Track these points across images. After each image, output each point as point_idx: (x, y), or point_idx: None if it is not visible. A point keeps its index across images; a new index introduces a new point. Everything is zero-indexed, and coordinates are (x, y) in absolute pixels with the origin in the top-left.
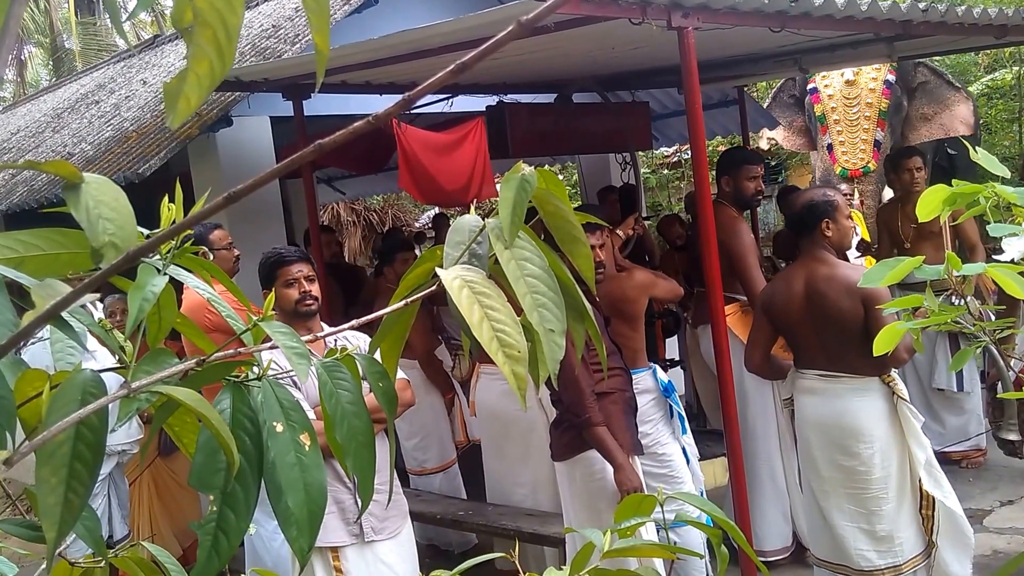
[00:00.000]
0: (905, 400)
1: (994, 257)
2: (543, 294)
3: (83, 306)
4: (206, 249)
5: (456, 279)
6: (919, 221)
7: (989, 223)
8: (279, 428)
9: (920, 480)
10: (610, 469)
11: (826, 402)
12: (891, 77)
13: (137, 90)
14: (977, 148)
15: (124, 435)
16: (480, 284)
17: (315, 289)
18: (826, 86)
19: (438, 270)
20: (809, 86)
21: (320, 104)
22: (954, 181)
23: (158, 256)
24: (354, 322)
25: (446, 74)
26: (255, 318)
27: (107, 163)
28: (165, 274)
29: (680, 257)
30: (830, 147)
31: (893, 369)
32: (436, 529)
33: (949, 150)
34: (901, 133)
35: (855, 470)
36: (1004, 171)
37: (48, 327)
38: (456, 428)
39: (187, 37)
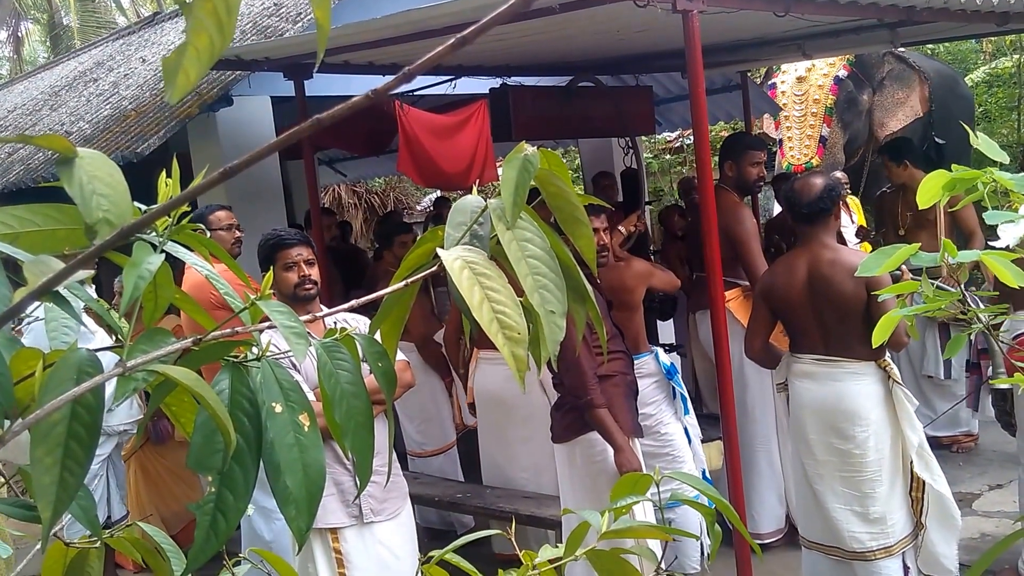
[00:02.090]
0: (900, 384)
1: (989, 244)
2: (544, 275)
3: (81, 283)
4: (203, 227)
5: (457, 260)
6: (918, 208)
7: (987, 209)
8: (278, 409)
9: (911, 463)
10: (610, 451)
11: (823, 386)
12: (843, 73)
13: (136, 68)
14: (977, 133)
15: (125, 415)
16: (481, 265)
17: (315, 273)
18: (782, 82)
19: (439, 250)
20: (770, 82)
21: (322, 84)
22: (954, 167)
23: (155, 233)
24: (353, 303)
25: (446, 48)
26: (252, 297)
27: (105, 142)
28: (162, 251)
29: (681, 246)
30: (780, 142)
31: (888, 353)
32: (437, 511)
33: (937, 139)
34: (878, 123)
35: (850, 453)
36: (1003, 156)
37: (43, 306)
38: (453, 412)
39: (186, 11)
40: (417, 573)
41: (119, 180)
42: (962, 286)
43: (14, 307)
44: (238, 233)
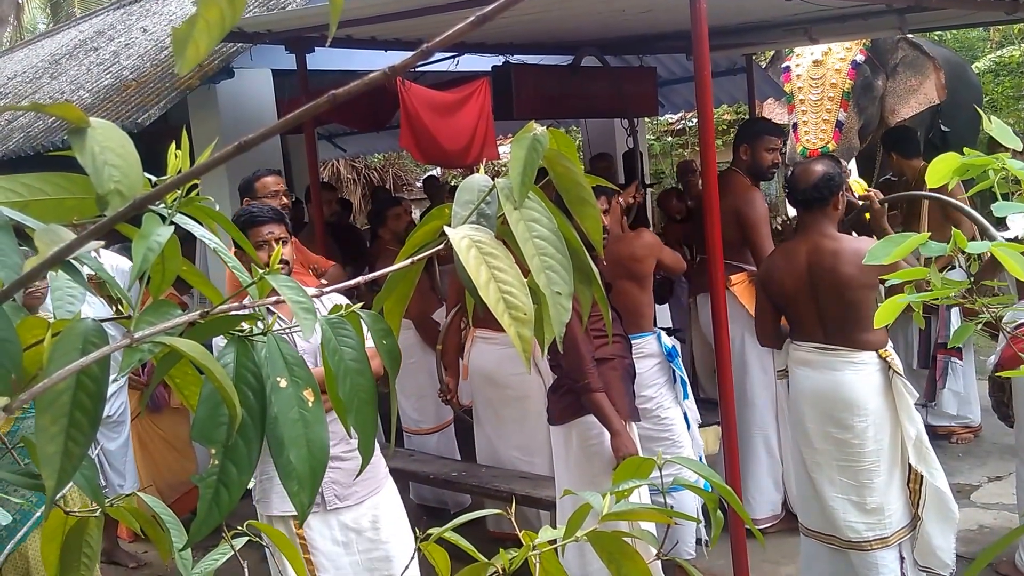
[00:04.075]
0: (900, 375)
1: (999, 235)
2: (551, 256)
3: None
4: (212, 199)
5: (464, 238)
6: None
7: (995, 199)
8: (283, 383)
9: (909, 455)
10: (606, 435)
11: (822, 374)
12: (860, 58)
13: (137, 38)
14: (991, 118)
15: None
16: (488, 244)
17: (286, 252)
18: (796, 65)
19: (446, 228)
20: (783, 64)
21: (323, 58)
22: (966, 150)
23: (163, 204)
24: (359, 280)
25: (466, 25)
26: (261, 271)
27: (105, 112)
28: (171, 223)
29: (680, 229)
30: (795, 126)
31: (890, 344)
32: (432, 489)
33: (943, 127)
34: (889, 109)
35: (848, 443)
36: (1017, 143)
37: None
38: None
39: None
40: (414, 551)
41: (130, 151)
42: (970, 276)
43: (26, 275)
44: (284, 199)
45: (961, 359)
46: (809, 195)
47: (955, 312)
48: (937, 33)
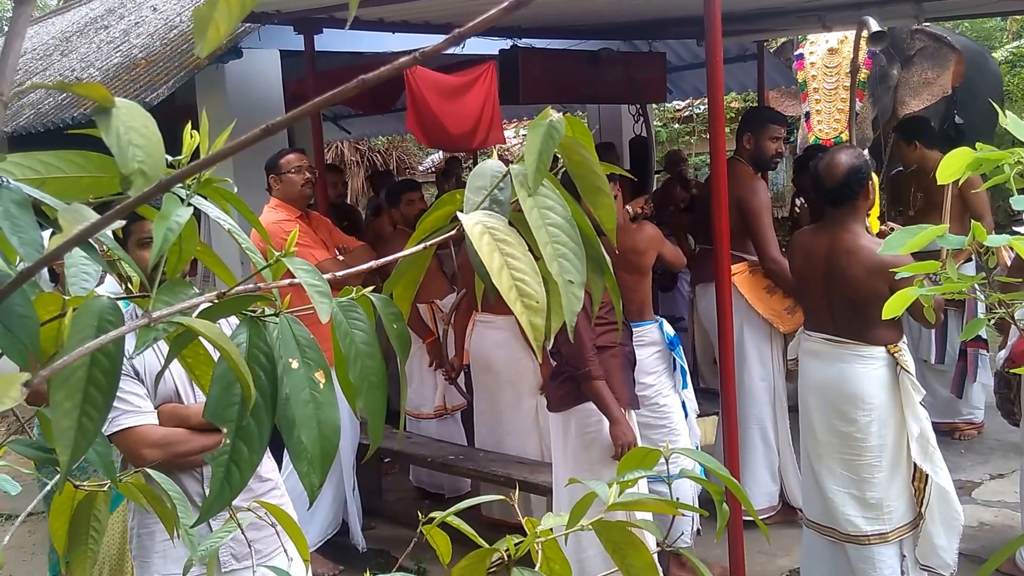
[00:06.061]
0: (908, 372)
1: (1015, 229)
2: (564, 244)
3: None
4: (229, 180)
5: (477, 224)
6: (929, 189)
7: (1012, 194)
8: (295, 365)
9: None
10: (605, 422)
11: (829, 366)
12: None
13: (147, 16)
14: (1005, 111)
15: None
16: (501, 231)
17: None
18: (811, 53)
19: (459, 214)
20: (796, 52)
21: (330, 40)
22: (979, 145)
23: (180, 185)
24: (371, 264)
25: (499, 11)
26: (277, 253)
27: (115, 90)
28: (189, 204)
29: (684, 218)
30: (807, 115)
31: (902, 340)
32: (429, 472)
33: (957, 119)
34: (900, 100)
35: (851, 436)
36: None
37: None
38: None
39: None
40: (418, 533)
41: (154, 131)
42: (987, 270)
43: (49, 254)
44: (308, 175)
45: (988, 350)
46: (840, 194)
47: (981, 305)
48: (953, 22)
